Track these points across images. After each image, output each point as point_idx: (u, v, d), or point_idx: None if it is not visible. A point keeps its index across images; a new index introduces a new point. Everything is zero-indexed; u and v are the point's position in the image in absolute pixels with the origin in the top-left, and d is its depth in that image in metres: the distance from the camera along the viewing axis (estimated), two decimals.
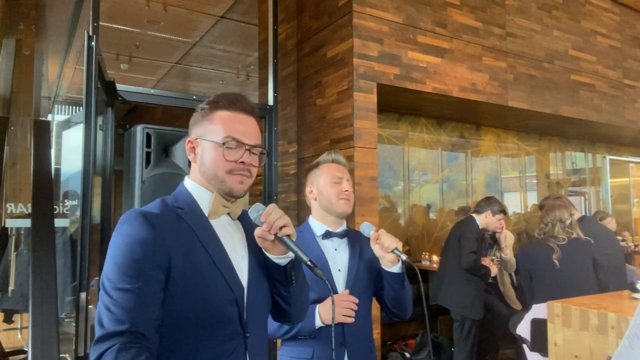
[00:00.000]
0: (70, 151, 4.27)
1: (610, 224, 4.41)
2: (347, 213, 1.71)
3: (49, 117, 8.56)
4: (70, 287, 3.62)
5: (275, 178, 3.14)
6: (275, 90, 3.31)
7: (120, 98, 2.71)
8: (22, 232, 3.87)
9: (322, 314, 1.55)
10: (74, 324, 2.18)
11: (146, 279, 0.98)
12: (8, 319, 4.09)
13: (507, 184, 5.83)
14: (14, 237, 3.88)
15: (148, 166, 2.30)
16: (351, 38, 3.30)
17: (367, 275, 1.66)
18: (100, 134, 2.58)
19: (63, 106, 8.86)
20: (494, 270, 3.59)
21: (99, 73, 2.38)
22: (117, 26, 5.43)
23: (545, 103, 4.48)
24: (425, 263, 4.59)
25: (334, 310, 1.29)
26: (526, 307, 3.22)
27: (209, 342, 1.04)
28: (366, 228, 1.58)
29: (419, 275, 1.39)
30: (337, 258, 1.66)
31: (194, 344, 1.03)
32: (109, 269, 1.00)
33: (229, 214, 1.17)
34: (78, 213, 2.59)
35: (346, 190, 1.69)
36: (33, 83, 4.82)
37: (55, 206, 3.64)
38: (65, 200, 4.06)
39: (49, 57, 6.37)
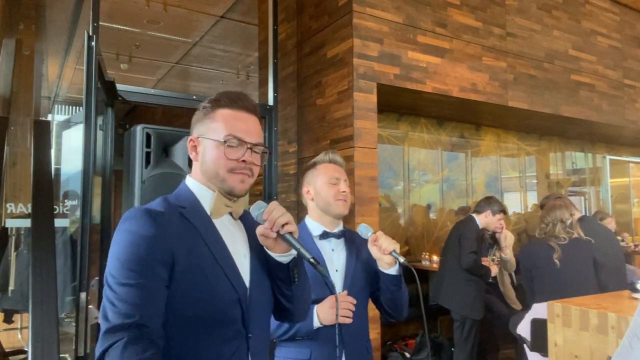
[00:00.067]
0: (70, 151, 4.26)
1: (610, 224, 4.41)
2: (344, 214, 1.71)
3: (49, 117, 8.56)
4: (70, 287, 3.62)
5: (275, 178, 3.14)
6: (275, 90, 3.31)
7: (120, 98, 2.71)
8: (22, 232, 3.86)
9: (321, 315, 1.55)
10: (74, 324, 2.18)
11: (150, 275, 0.97)
12: (8, 319, 4.08)
13: (507, 184, 5.83)
14: (14, 237, 3.88)
15: (148, 166, 2.30)
16: (351, 38, 3.30)
17: (364, 276, 1.66)
18: (100, 134, 2.58)
19: (63, 106, 8.86)
20: (494, 270, 3.59)
21: (99, 73, 2.38)
22: (117, 26, 5.43)
23: (545, 103, 4.48)
24: (425, 263, 4.59)
25: (337, 309, 1.28)
26: (526, 307, 3.22)
27: (211, 343, 1.03)
28: (364, 229, 1.58)
29: (417, 277, 1.39)
30: (335, 258, 1.66)
31: (195, 344, 1.02)
32: (112, 266, 0.99)
33: (230, 213, 1.16)
34: (78, 213, 2.59)
35: (343, 192, 1.69)
36: (33, 83, 4.82)
37: (55, 206, 3.63)
38: (65, 200, 4.06)
39: (49, 57, 6.37)
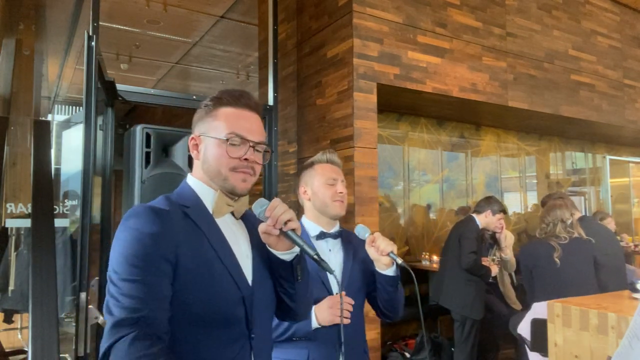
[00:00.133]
0: (70, 151, 4.26)
1: (610, 224, 4.41)
2: (341, 215, 1.71)
3: (49, 117, 8.57)
4: (70, 287, 3.62)
5: (275, 178, 3.14)
6: (275, 90, 3.31)
7: (120, 98, 2.71)
8: (22, 232, 3.86)
9: (319, 315, 1.54)
10: (74, 324, 2.18)
11: (154, 271, 0.96)
12: (8, 319, 4.08)
13: (507, 184, 5.83)
14: (14, 237, 3.88)
15: (148, 166, 2.30)
16: (351, 38, 3.30)
17: (361, 277, 1.66)
18: (100, 134, 2.58)
19: (63, 106, 8.86)
20: (495, 270, 3.59)
21: (99, 73, 2.38)
22: (117, 26, 5.43)
23: (545, 103, 4.48)
24: (425, 263, 4.59)
25: (342, 308, 1.28)
26: (526, 307, 3.22)
27: (214, 343, 1.02)
28: (361, 230, 1.58)
29: (415, 278, 1.39)
30: (332, 259, 1.66)
31: (197, 344, 1.01)
32: (115, 262, 0.98)
33: (232, 212, 1.15)
34: (78, 213, 2.59)
35: (340, 192, 1.68)
36: (33, 83, 4.82)
37: (55, 206, 3.64)
38: (65, 200, 4.06)
39: (49, 57, 6.37)
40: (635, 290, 2.48)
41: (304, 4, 3.88)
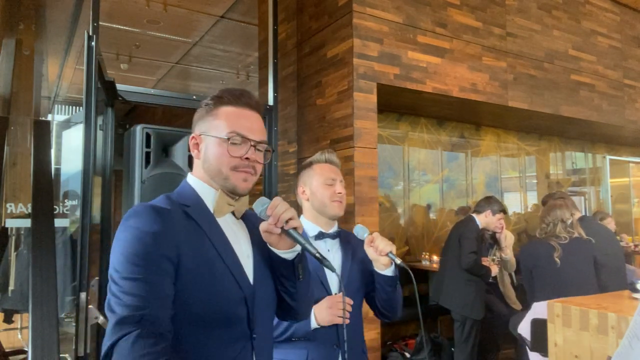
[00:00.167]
0: (70, 151, 4.26)
1: (610, 224, 4.41)
2: (340, 215, 1.70)
3: (49, 117, 8.57)
4: (70, 287, 3.62)
5: (275, 178, 3.14)
6: (275, 90, 3.31)
7: (120, 98, 2.71)
8: (22, 232, 3.86)
9: (318, 315, 1.54)
10: (74, 324, 2.18)
11: (156, 270, 0.95)
12: (8, 319, 4.08)
13: (507, 184, 5.83)
14: (14, 237, 3.88)
15: (148, 166, 2.31)
16: (351, 38, 3.30)
17: (360, 277, 1.66)
18: (100, 134, 2.58)
19: (63, 106, 8.86)
20: (495, 270, 3.59)
21: (99, 73, 2.38)
22: (117, 26, 5.43)
23: (545, 103, 4.48)
24: (425, 263, 4.59)
25: (344, 309, 1.27)
26: (526, 307, 3.22)
27: (216, 343, 1.02)
28: (360, 230, 1.57)
29: (414, 278, 1.39)
30: (330, 259, 1.65)
31: (199, 343, 1.00)
32: (116, 261, 0.97)
33: (232, 212, 1.15)
34: (78, 213, 2.59)
35: (339, 193, 1.68)
36: (33, 83, 4.82)
37: (55, 206, 3.64)
38: (65, 200, 4.06)
39: (49, 57, 6.37)
40: (635, 290, 2.48)
41: (304, 4, 3.88)
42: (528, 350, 3.00)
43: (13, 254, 3.82)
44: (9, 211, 3.94)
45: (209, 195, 1.11)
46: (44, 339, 2.11)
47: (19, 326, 4.42)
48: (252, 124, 1.12)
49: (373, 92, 3.36)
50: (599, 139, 6.46)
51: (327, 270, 1.63)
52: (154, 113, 8.63)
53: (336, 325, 1.56)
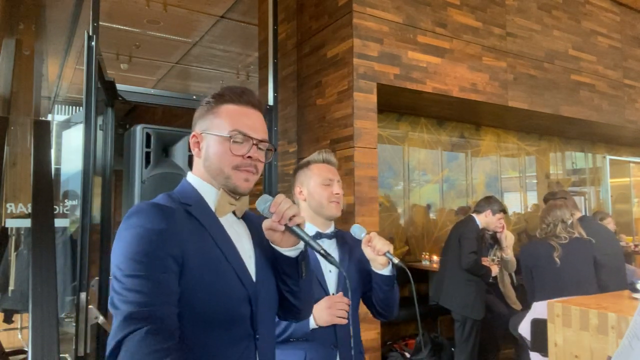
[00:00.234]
0: (70, 151, 4.27)
1: (610, 224, 4.41)
2: (337, 216, 1.69)
3: (49, 117, 8.57)
4: (70, 287, 3.62)
5: (275, 178, 3.14)
6: (275, 90, 3.31)
7: (120, 98, 2.71)
8: (22, 232, 3.87)
9: (317, 316, 1.54)
10: (74, 324, 2.18)
11: (163, 268, 0.93)
12: (8, 319, 4.08)
13: (507, 184, 5.83)
14: (14, 237, 3.88)
15: (148, 166, 2.31)
16: (351, 38, 3.30)
17: (357, 277, 1.65)
18: (100, 134, 2.58)
19: (63, 106, 8.86)
20: (495, 270, 3.59)
21: (99, 73, 2.38)
22: (117, 26, 5.43)
23: (545, 103, 4.48)
24: (425, 263, 4.59)
25: (350, 310, 1.27)
26: (527, 307, 3.22)
27: (220, 343, 1.01)
28: (357, 230, 1.56)
29: (411, 278, 1.39)
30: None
31: (200, 344, 0.99)
32: (121, 260, 0.94)
33: (233, 212, 1.13)
34: (78, 213, 2.59)
35: (337, 194, 1.67)
36: (33, 83, 4.82)
37: (55, 206, 3.64)
38: (65, 200, 4.06)
39: (49, 57, 6.37)
40: (635, 290, 2.48)
41: (304, 4, 3.88)
42: (529, 350, 3.00)
43: (13, 254, 3.82)
44: (9, 211, 3.94)
45: (210, 194, 1.10)
46: (44, 339, 2.11)
47: (19, 326, 4.42)
48: (254, 122, 1.11)
49: (373, 92, 3.36)
50: (599, 139, 6.46)
51: (325, 270, 1.63)
52: (154, 113, 8.63)
53: (334, 325, 1.56)
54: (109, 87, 2.64)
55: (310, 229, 1.68)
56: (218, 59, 6.62)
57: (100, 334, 2.49)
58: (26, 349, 3.93)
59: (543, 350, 2.68)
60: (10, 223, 3.88)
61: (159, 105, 2.97)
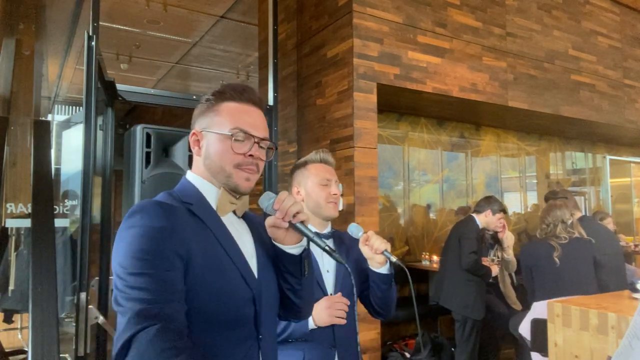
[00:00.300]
0: (70, 151, 4.27)
1: (610, 224, 4.41)
2: (335, 217, 1.69)
3: (49, 117, 8.57)
4: (70, 287, 3.62)
5: (275, 178, 3.14)
6: (275, 90, 3.31)
7: (120, 98, 2.71)
8: (22, 232, 3.87)
9: (316, 316, 1.53)
10: (74, 324, 2.18)
11: (169, 266, 0.91)
12: (8, 319, 4.09)
13: (507, 184, 5.83)
14: (14, 237, 3.88)
15: (148, 166, 2.31)
16: (351, 38, 3.30)
17: (355, 276, 1.65)
18: (100, 134, 2.58)
19: (63, 106, 8.86)
20: (495, 270, 3.59)
21: (99, 73, 2.38)
22: (117, 26, 5.43)
23: (545, 103, 4.48)
24: (425, 263, 4.59)
25: (355, 309, 1.26)
26: (527, 307, 3.22)
27: (223, 344, 0.99)
28: (355, 229, 1.56)
29: (409, 277, 1.38)
30: (325, 259, 1.65)
31: (204, 345, 0.97)
32: (123, 259, 0.91)
33: (234, 211, 1.12)
34: (78, 213, 2.59)
35: (334, 194, 1.66)
36: (33, 83, 4.82)
37: (55, 206, 3.64)
38: (65, 200, 4.07)
39: (49, 57, 6.37)
40: (635, 290, 2.48)
41: (304, 4, 3.88)
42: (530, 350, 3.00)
43: (13, 254, 3.82)
44: (9, 211, 3.94)
45: (211, 193, 1.08)
46: (44, 339, 2.11)
47: (19, 326, 4.43)
48: (255, 120, 1.09)
49: (373, 92, 3.36)
50: (599, 139, 6.46)
51: (323, 270, 1.63)
52: (154, 113, 8.63)
53: (333, 325, 1.56)
54: (109, 87, 2.64)
55: None
56: (218, 59, 6.62)
57: (100, 334, 2.49)
58: (26, 349, 3.93)
59: (543, 350, 2.68)
60: (10, 223, 3.88)
61: (159, 105, 2.97)
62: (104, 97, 2.67)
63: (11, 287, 3.73)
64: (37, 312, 2.19)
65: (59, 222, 3.60)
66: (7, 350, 4.05)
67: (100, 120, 2.58)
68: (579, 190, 6.59)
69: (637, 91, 5.40)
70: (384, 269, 1.53)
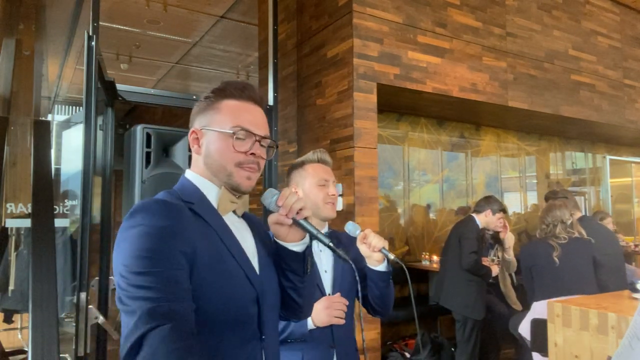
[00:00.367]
0: (70, 151, 4.27)
1: (609, 225, 4.41)
2: (333, 217, 1.68)
3: (49, 117, 8.57)
4: (70, 287, 3.62)
5: (275, 178, 3.14)
6: (275, 90, 3.31)
7: (120, 98, 2.71)
8: (22, 232, 3.87)
9: (315, 317, 1.53)
10: (74, 324, 2.18)
11: (176, 265, 0.89)
12: (8, 319, 4.09)
13: (507, 184, 5.83)
14: (14, 237, 3.88)
15: (148, 166, 2.31)
16: (351, 38, 3.30)
17: (352, 276, 1.65)
18: (100, 134, 2.58)
19: (63, 106, 8.86)
20: (495, 270, 3.59)
21: (99, 73, 2.38)
22: (117, 26, 5.43)
23: (545, 103, 4.48)
24: (425, 263, 4.59)
25: (360, 312, 1.26)
26: (527, 307, 3.22)
27: (228, 345, 0.98)
28: (352, 227, 1.54)
29: (408, 274, 1.37)
30: (323, 259, 1.65)
31: (208, 346, 0.96)
32: (127, 259, 0.89)
33: (234, 210, 1.10)
34: (78, 213, 2.59)
35: (332, 195, 1.65)
36: (33, 83, 4.82)
37: (55, 206, 3.64)
38: (65, 200, 4.07)
39: (49, 57, 6.37)
40: (635, 290, 2.48)
41: (304, 4, 3.88)
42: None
43: (13, 254, 3.82)
44: (9, 211, 3.94)
45: (211, 192, 1.07)
46: (44, 339, 2.11)
47: (19, 326, 4.43)
48: (256, 118, 1.08)
49: (373, 92, 3.36)
50: (599, 139, 6.46)
51: (320, 271, 1.63)
52: (154, 113, 8.63)
53: (331, 325, 1.56)
54: (109, 87, 2.64)
55: None
56: (218, 59, 6.62)
57: (100, 334, 2.49)
58: (26, 349, 3.93)
59: (543, 350, 2.68)
60: (10, 223, 3.88)
61: (159, 105, 2.97)
62: (104, 97, 2.67)
63: (11, 287, 3.73)
64: (37, 312, 2.19)
65: (59, 222, 3.61)
66: (7, 350, 4.05)
67: (100, 120, 2.58)
68: (579, 190, 6.59)
69: (637, 91, 5.40)
70: (382, 267, 1.52)
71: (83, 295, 2.15)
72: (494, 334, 3.95)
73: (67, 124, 4.89)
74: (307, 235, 1.09)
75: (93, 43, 2.30)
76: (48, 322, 2.17)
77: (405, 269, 1.37)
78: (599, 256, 3.10)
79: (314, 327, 1.54)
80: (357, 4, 3.33)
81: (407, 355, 3.99)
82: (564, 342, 2.36)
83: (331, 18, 3.53)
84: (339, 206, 3.26)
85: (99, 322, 2.27)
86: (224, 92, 1.08)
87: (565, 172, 6.49)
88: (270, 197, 1.06)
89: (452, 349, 3.89)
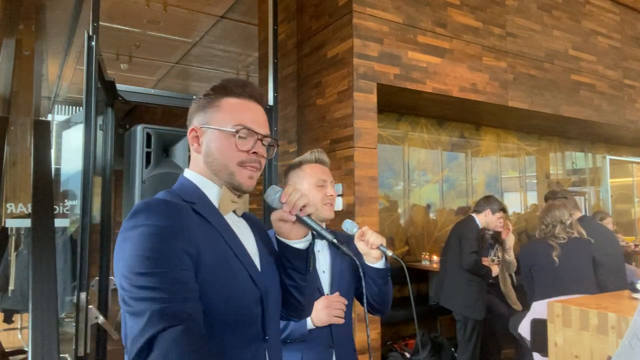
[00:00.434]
0: (70, 151, 4.27)
1: (609, 225, 4.41)
2: (331, 218, 1.67)
3: (49, 117, 8.57)
4: (70, 287, 3.62)
5: (275, 178, 3.14)
6: (275, 90, 3.31)
7: (120, 98, 2.71)
8: (22, 232, 3.87)
9: (314, 316, 1.53)
10: (74, 324, 2.18)
11: (182, 265, 0.88)
12: (8, 319, 4.09)
13: (507, 184, 5.83)
14: (14, 237, 3.88)
15: (148, 166, 2.31)
16: (351, 38, 3.30)
17: (350, 276, 1.65)
18: (100, 134, 2.58)
19: (63, 106, 8.86)
20: (495, 270, 3.59)
21: (99, 73, 2.38)
22: (117, 26, 5.43)
23: (545, 103, 4.48)
24: (425, 263, 4.59)
25: (365, 311, 1.25)
26: (527, 308, 3.22)
27: (233, 346, 0.97)
28: (349, 225, 1.52)
29: (406, 271, 1.37)
30: (321, 259, 1.64)
31: (211, 346, 0.93)
32: (131, 259, 0.87)
33: (234, 210, 1.09)
34: (78, 213, 2.59)
35: (331, 195, 1.64)
36: (33, 83, 4.82)
37: (55, 206, 3.64)
38: (65, 200, 4.07)
39: (49, 57, 6.37)
40: (635, 290, 2.48)
41: (304, 4, 3.88)
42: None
43: (13, 254, 3.82)
44: (9, 211, 3.94)
45: (212, 191, 1.05)
46: (44, 339, 2.11)
47: (19, 326, 4.43)
48: (257, 117, 1.06)
49: (373, 92, 3.36)
50: (599, 139, 6.46)
51: (319, 271, 1.63)
52: (154, 113, 8.63)
53: (330, 325, 1.56)
54: (109, 87, 2.64)
55: None
56: (218, 59, 6.62)
57: (100, 334, 2.49)
58: (26, 349, 3.93)
59: (543, 350, 2.69)
60: (10, 223, 3.89)
61: (159, 105, 2.97)
62: (104, 97, 2.67)
63: (11, 287, 3.73)
64: (37, 312, 2.19)
65: (59, 222, 3.60)
66: (7, 350, 4.05)
67: (100, 120, 2.58)
68: (579, 190, 6.59)
69: (637, 91, 5.40)
70: (380, 264, 1.51)
71: (83, 295, 2.15)
72: (495, 334, 3.95)
73: (67, 124, 4.89)
74: (310, 233, 1.09)
75: (93, 43, 2.30)
76: (48, 322, 2.17)
77: (405, 267, 1.36)
78: (599, 256, 3.11)
79: (314, 327, 1.54)
80: (357, 4, 3.33)
81: (407, 355, 3.99)
82: (564, 342, 2.36)
83: (331, 18, 3.53)
84: (339, 206, 3.26)
85: (99, 322, 2.27)
86: (224, 89, 1.07)
87: (565, 172, 6.49)
88: (273, 193, 1.06)
89: (452, 349, 3.89)
